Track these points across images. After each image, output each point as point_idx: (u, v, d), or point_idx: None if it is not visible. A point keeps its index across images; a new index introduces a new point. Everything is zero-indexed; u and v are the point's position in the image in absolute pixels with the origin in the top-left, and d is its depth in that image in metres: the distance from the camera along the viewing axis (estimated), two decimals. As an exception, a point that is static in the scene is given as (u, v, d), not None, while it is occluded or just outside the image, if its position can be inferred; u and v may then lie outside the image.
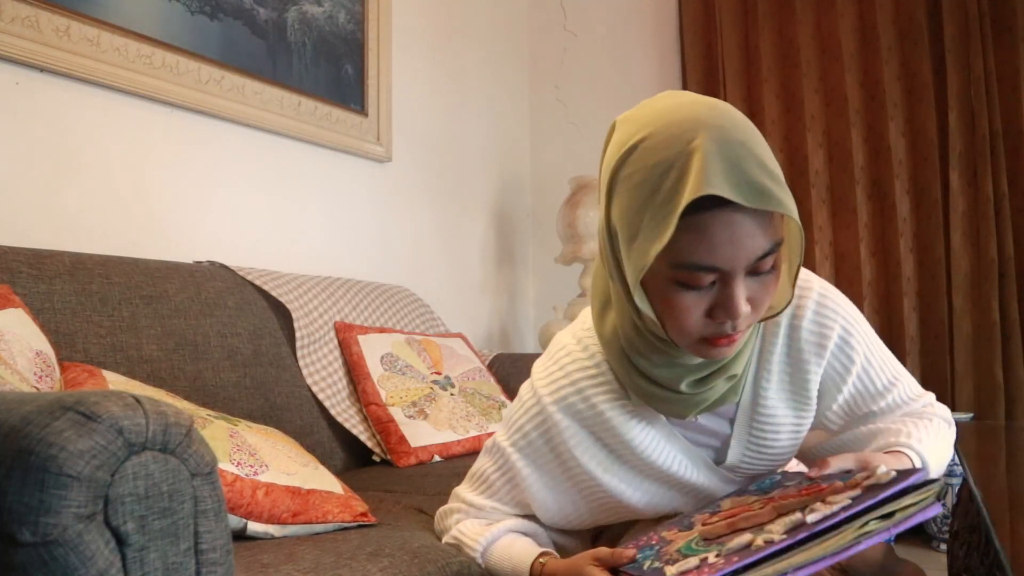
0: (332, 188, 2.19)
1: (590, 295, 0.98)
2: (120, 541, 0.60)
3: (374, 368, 1.79)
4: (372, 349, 1.83)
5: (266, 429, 1.24)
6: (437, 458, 1.72)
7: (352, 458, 1.73)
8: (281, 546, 1.02)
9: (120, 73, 1.60)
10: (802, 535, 0.65)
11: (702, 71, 2.92)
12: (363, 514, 1.18)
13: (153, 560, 0.61)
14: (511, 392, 2.09)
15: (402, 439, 1.70)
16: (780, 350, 0.95)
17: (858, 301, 2.69)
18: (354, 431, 1.71)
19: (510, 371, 2.18)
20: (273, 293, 1.71)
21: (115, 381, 1.15)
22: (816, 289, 0.95)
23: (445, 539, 1.08)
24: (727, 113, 0.77)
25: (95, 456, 0.58)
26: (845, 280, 2.74)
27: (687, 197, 0.73)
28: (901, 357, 2.62)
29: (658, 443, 0.95)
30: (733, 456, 0.97)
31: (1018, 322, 2.48)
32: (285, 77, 2.01)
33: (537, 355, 2.35)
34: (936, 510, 0.66)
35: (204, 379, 1.45)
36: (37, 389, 1.00)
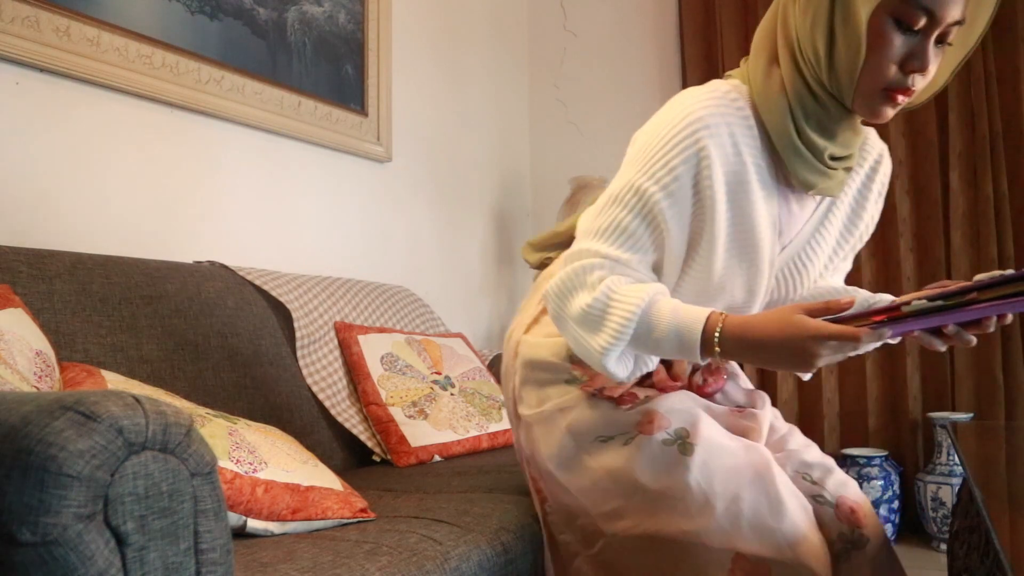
0: (332, 188, 2.19)
1: (752, 56, 1.07)
2: (120, 541, 0.60)
3: (374, 368, 1.79)
4: (372, 349, 1.83)
5: (265, 427, 1.24)
6: (437, 458, 1.72)
7: (352, 458, 1.73)
8: (280, 544, 1.02)
9: (120, 73, 1.60)
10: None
11: (702, 71, 2.92)
12: (362, 510, 1.18)
13: (153, 560, 0.61)
14: (511, 392, 2.09)
15: (402, 439, 1.70)
16: (863, 176, 1.16)
17: (858, 301, 2.69)
18: (354, 431, 1.71)
19: (510, 371, 2.18)
20: (273, 293, 1.71)
21: (114, 381, 1.15)
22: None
23: (590, 300, 1.00)
24: None
25: (95, 456, 0.58)
26: (845, 280, 2.74)
27: None
28: (901, 357, 2.62)
29: (768, 210, 1.05)
30: (789, 251, 1.11)
31: (1018, 322, 2.48)
32: (285, 77, 2.01)
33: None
34: None
35: (204, 379, 1.45)
36: (37, 389, 1.00)
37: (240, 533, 1.06)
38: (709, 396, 1.18)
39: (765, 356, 0.95)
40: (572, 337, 1.04)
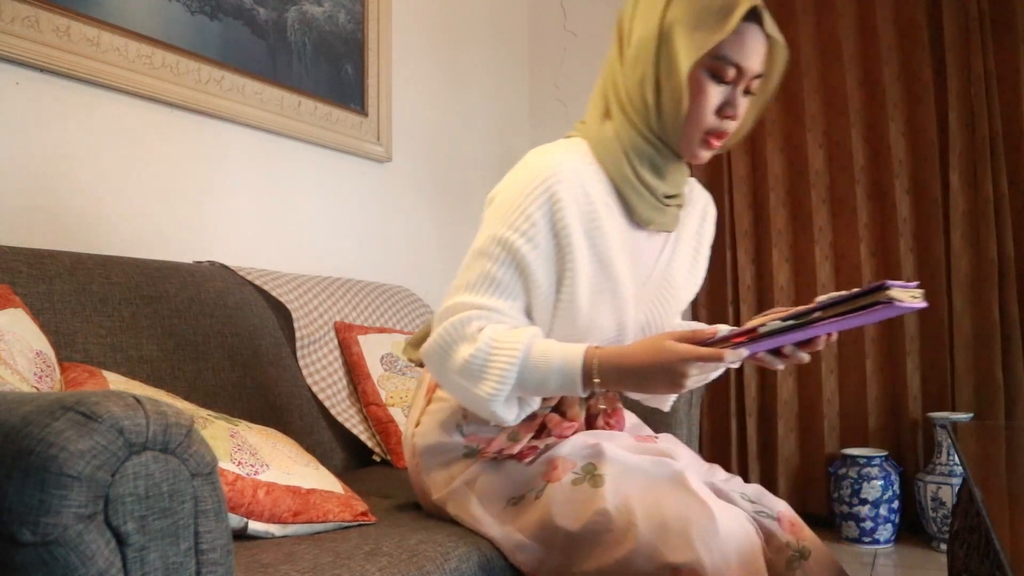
0: (332, 188, 2.19)
1: (589, 110, 1.21)
2: (120, 541, 0.60)
3: (374, 368, 1.79)
4: (372, 349, 1.83)
5: (266, 430, 1.24)
6: (437, 458, 1.72)
7: (352, 458, 1.73)
8: (280, 545, 1.02)
9: (120, 73, 1.60)
10: (844, 296, 0.94)
11: (702, 71, 2.92)
12: (363, 513, 1.18)
13: (153, 560, 0.61)
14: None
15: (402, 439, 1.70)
16: (697, 220, 1.29)
17: (858, 301, 2.69)
18: (354, 431, 1.71)
19: (510, 371, 2.17)
20: (273, 293, 1.71)
21: (115, 382, 1.15)
22: None
23: (472, 351, 1.05)
24: None
25: (95, 456, 0.58)
26: (845, 280, 2.74)
27: (745, 4, 1.06)
28: (901, 357, 2.62)
29: (622, 245, 1.15)
30: (651, 285, 1.21)
31: (1018, 322, 2.48)
32: (285, 77, 2.01)
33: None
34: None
35: (204, 379, 1.45)
36: (37, 389, 1.00)
37: (241, 535, 1.06)
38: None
39: (640, 381, 1.04)
40: (458, 389, 1.09)
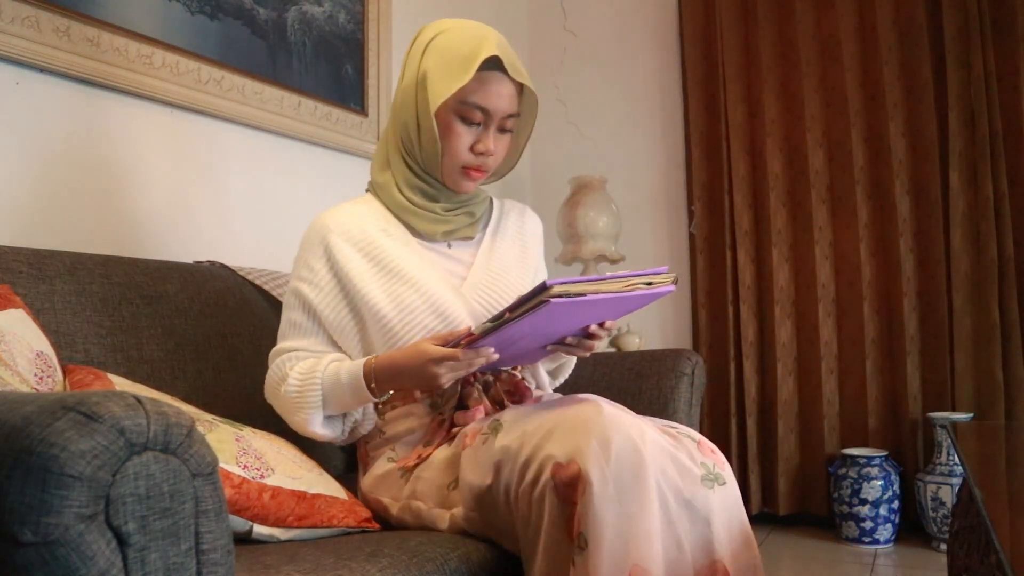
0: (332, 188, 2.19)
1: (372, 165, 1.37)
2: (121, 541, 0.60)
3: (374, 368, 1.79)
4: (372, 349, 1.83)
5: (269, 435, 1.24)
6: (437, 458, 1.72)
7: (353, 459, 1.73)
8: (284, 548, 1.02)
9: (120, 73, 1.60)
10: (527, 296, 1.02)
11: (702, 71, 2.92)
12: (367, 519, 1.18)
13: (154, 560, 0.61)
14: (511, 392, 2.08)
15: (402, 439, 1.69)
16: (513, 224, 1.44)
17: (858, 301, 2.69)
18: (354, 431, 1.71)
19: (510, 371, 2.17)
20: (273, 293, 1.71)
21: (121, 384, 1.15)
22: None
23: (285, 387, 1.21)
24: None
25: (96, 456, 0.58)
26: (845, 280, 2.74)
27: (484, 54, 1.20)
28: (901, 357, 2.62)
29: (411, 254, 1.28)
30: (473, 279, 1.31)
31: (1018, 322, 2.48)
32: (285, 77, 2.01)
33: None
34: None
35: (204, 379, 1.45)
36: (37, 391, 1.00)
37: (246, 539, 1.06)
38: None
39: (404, 380, 1.17)
40: (289, 421, 1.26)
